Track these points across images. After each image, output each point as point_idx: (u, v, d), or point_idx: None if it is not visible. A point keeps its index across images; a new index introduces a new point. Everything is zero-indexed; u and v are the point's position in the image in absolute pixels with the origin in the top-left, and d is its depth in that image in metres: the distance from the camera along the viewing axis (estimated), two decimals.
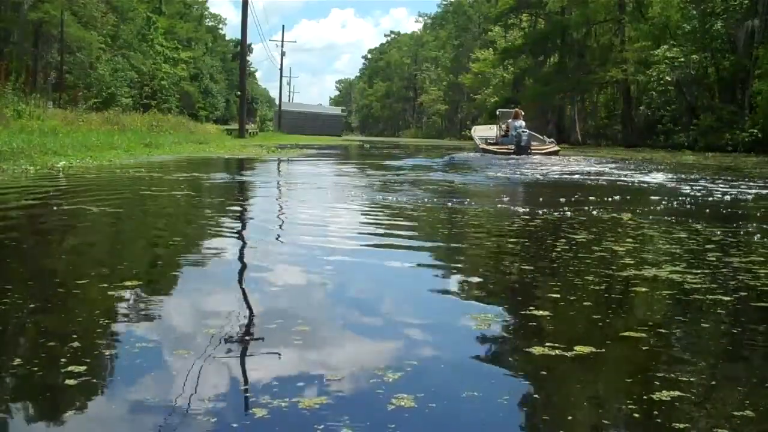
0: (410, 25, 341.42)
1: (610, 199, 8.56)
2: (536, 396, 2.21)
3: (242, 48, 40.19)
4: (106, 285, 3.43)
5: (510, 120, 24.21)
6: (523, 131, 23.01)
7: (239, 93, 41.04)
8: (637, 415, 2.03)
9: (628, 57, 46.63)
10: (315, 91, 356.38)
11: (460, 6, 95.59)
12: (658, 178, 13.10)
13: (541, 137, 25.67)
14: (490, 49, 72.20)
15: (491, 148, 24.18)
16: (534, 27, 62.13)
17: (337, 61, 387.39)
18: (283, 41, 73.30)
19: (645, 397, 2.14)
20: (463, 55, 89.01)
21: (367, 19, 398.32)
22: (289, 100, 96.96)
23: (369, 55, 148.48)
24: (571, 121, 55.11)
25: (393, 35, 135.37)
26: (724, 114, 37.08)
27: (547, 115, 58.62)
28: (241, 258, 4.58)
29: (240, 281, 3.81)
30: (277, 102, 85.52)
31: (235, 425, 1.91)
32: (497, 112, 29.34)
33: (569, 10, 54.61)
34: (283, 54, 72.64)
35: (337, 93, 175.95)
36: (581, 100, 55.24)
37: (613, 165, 18.84)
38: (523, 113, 24.94)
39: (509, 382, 2.33)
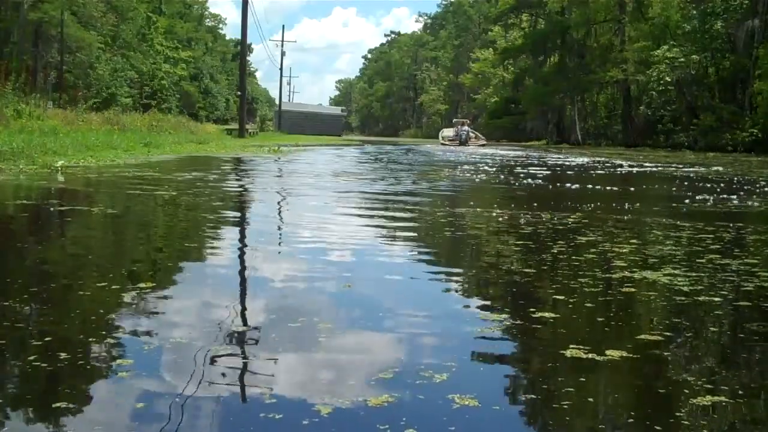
0: (411, 24, 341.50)
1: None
2: (590, 399, 2.18)
3: (242, 48, 40.16)
4: (118, 287, 3.40)
5: (459, 126, 45.56)
6: (463, 132, 43.68)
7: (239, 93, 41.00)
8: (685, 421, 2.01)
9: (628, 57, 46.69)
10: (315, 91, 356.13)
11: (460, 6, 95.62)
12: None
13: (480, 136, 46.55)
14: (490, 49, 72.25)
15: (447, 142, 43.70)
16: (534, 27, 62.17)
17: (337, 60, 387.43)
18: (283, 41, 73.05)
19: (692, 400, 2.13)
20: (463, 55, 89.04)
21: (369, 18, 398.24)
22: (289, 100, 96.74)
23: (369, 55, 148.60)
24: (571, 121, 55.11)
25: (393, 35, 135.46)
26: (724, 114, 37.09)
27: (547, 115, 58.63)
28: (242, 257, 4.53)
29: (247, 280, 3.78)
30: (277, 102, 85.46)
31: (305, 422, 1.89)
32: (453, 120, 53.20)
33: (569, 10, 54.63)
34: (283, 54, 72.50)
35: (338, 93, 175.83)
36: (581, 100, 55.24)
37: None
38: (468, 121, 50.10)
39: (557, 386, 2.27)
